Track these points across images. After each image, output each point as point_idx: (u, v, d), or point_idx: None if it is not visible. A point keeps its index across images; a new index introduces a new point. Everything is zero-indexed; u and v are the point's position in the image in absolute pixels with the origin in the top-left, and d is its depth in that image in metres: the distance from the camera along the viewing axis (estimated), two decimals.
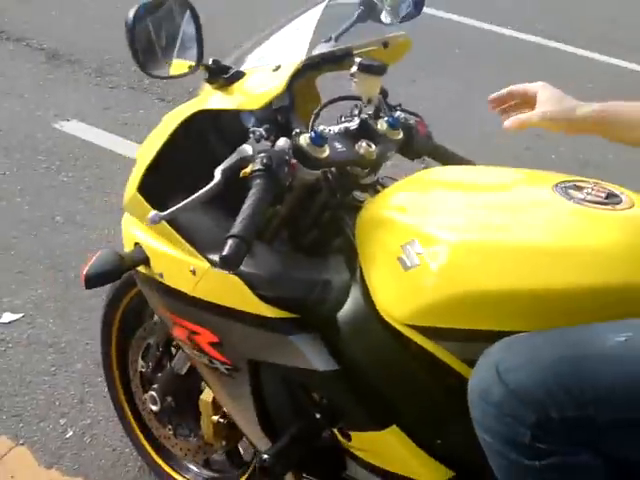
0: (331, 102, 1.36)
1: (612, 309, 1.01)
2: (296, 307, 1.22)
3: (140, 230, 1.39)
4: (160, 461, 1.81)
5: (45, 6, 4.80)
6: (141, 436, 1.82)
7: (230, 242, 1.03)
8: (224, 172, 1.15)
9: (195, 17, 1.27)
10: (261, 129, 1.20)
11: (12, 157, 3.21)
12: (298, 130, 1.20)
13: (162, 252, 1.33)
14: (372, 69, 1.29)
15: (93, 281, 1.36)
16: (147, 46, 1.24)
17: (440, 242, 1.09)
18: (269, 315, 1.21)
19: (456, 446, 1.15)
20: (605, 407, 0.96)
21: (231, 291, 1.24)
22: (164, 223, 1.25)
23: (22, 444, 1.90)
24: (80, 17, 4.66)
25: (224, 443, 1.59)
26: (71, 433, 1.95)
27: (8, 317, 2.30)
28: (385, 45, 1.41)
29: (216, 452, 1.69)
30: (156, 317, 1.61)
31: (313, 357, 1.20)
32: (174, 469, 1.80)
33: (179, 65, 1.29)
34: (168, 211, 1.16)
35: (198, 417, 1.59)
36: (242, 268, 1.12)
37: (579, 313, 1.02)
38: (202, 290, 1.28)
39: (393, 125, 1.32)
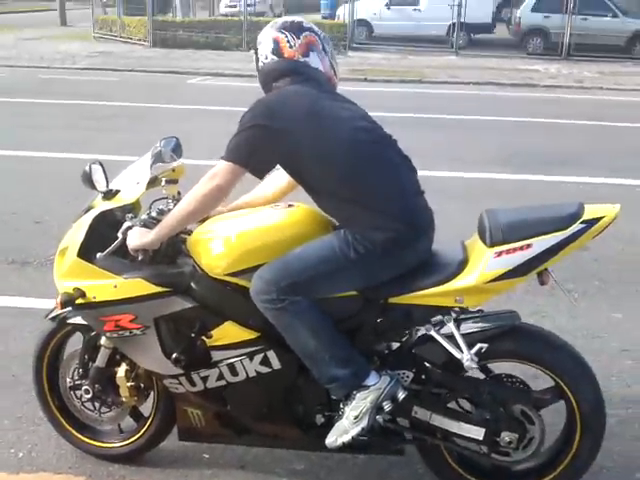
0: (155, 201, 2.83)
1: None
2: (169, 284, 2.58)
3: (76, 281, 2.66)
4: (82, 437, 2.99)
5: None
6: (68, 427, 2.99)
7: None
8: (122, 234, 2.56)
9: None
10: (129, 215, 2.65)
11: None
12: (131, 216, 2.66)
13: (93, 284, 2.62)
14: (172, 182, 2.80)
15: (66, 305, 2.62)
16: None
17: (222, 235, 2.57)
18: (159, 291, 2.57)
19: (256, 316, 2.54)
20: (293, 277, 2.44)
21: (136, 286, 2.57)
22: (93, 267, 2.59)
23: None
24: None
25: (137, 399, 2.84)
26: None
27: None
28: (173, 170, 2.88)
29: (129, 412, 2.91)
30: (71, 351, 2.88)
31: (183, 303, 2.57)
32: (96, 440, 2.99)
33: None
34: (104, 253, 2.53)
35: (117, 392, 2.82)
36: (139, 273, 2.52)
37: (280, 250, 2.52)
38: (120, 293, 2.59)
39: None
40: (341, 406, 2.51)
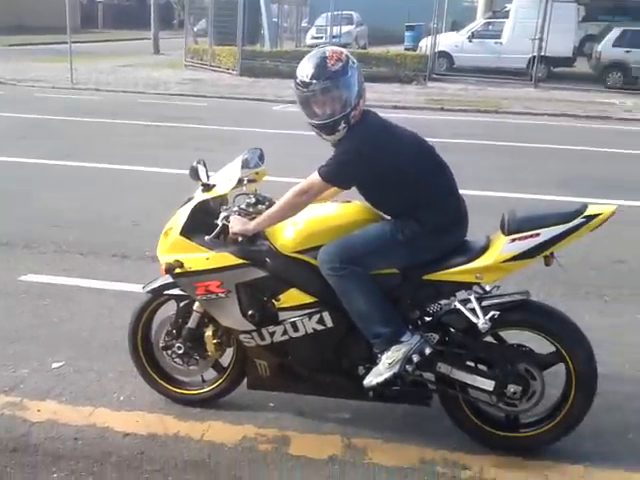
0: (237, 195, 3.53)
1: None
2: (248, 258, 3.25)
3: (176, 254, 3.32)
4: (170, 386, 3.67)
5: None
6: (158, 379, 3.67)
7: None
8: (223, 220, 3.26)
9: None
10: (224, 207, 3.35)
11: None
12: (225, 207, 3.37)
13: (190, 257, 3.30)
14: (252, 181, 3.49)
15: (169, 272, 3.31)
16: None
17: (293, 222, 3.23)
18: (241, 262, 3.24)
19: (319, 283, 3.18)
20: (353, 251, 3.09)
21: (223, 258, 3.26)
22: (191, 243, 3.28)
23: None
24: None
25: (219, 353, 3.52)
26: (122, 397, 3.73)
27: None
28: (257, 173, 3.54)
29: (212, 364, 3.59)
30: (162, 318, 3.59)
31: (259, 273, 3.23)
32: (181, 388, 3.67)
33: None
34: (211, 235, 3.24)
35: (204, 348, 3.50)
36: (225, 248, 3.21)
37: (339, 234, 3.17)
38: (211, 264, 3.26)
39: (261, 201, 3.49)
40: (379, 355, 3.12)
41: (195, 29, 26.89)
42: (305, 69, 3.06)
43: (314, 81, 3.02)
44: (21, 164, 9.13)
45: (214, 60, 22.92)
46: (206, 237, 3.31)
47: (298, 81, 3.08)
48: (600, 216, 2.93)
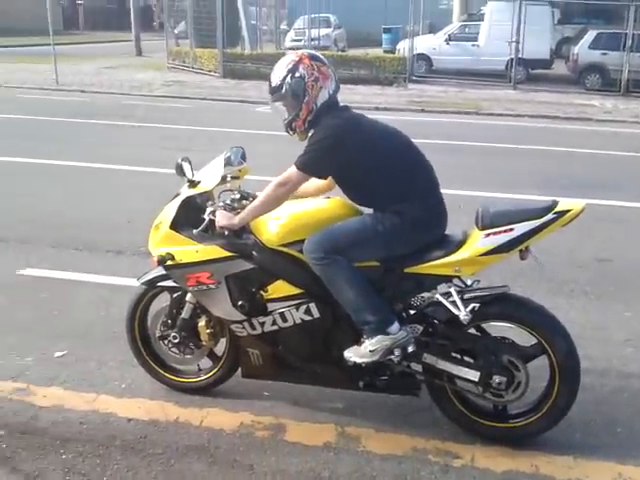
0: (222, 191, 3.69)
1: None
2: (236, 251, 3.41)
3: (167, 247, 3.48)
4: (168, 374, 3.85)
5: None
6: (156, 367, 3.84)
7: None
8: (209, 215, 3.42)
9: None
10: (210, 202, 3.52)
11: None
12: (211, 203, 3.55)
13: (180, 250, 3.46)
14: (236, 178, 3.67)
15: (161, 264, 3.47)
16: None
17: (276, 216, 3.40)
18: (229, 255, 3.40)
19: (304, 275, 3.36)
20: (336, 242, 3.26)
21: (212, 251, 3.42)
22: (181, 236, 3.45)
23: None
24: None
25: (213, 343, 3.69)
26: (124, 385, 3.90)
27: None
28: (240, 170, 3.69)
29: (207, 353, 3.75)
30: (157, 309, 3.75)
31: (246, 265, 3.40)
32: (178, 376, 3.85)
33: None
34: (199, 229, 3.42)
35: (198, 338, 3.67)
36: (214, 241, 3.39)
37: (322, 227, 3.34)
38: (201, 256, 3.43)
39: (245, 197, 3.66)
40: (363, 338, 3.31)
41: (175, 31, 26.90)
42: (270, 77, 3.42)
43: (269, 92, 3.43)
44: (12, 163, 9.31)
45: (196, 62, 23.01)
46: (194, 230, 3.48)
47: None
48: (571, 212, 3.12)
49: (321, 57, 3.41)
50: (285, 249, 3.38)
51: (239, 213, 3.44)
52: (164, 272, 3.58)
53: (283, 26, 30.34)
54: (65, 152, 10.04)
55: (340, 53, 24.06)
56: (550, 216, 3.12)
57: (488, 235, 3.17)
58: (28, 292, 5.14)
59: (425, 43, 22.21)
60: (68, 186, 8.28)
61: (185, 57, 23.89)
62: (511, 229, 3.14)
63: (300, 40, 25.42)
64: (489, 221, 3.19)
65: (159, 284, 3.70)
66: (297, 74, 3.30)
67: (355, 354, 3.31)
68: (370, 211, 3.41)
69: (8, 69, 21.67)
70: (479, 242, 3.19)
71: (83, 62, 24.81)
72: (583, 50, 20.50)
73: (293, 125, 3.39)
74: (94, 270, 5.55)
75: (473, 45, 21.97)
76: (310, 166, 3.28)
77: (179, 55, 24.45)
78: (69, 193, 7.98)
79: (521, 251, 3.22)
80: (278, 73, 3.35)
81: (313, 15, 23.56)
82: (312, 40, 22.88)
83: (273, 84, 3.36)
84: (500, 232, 3.15)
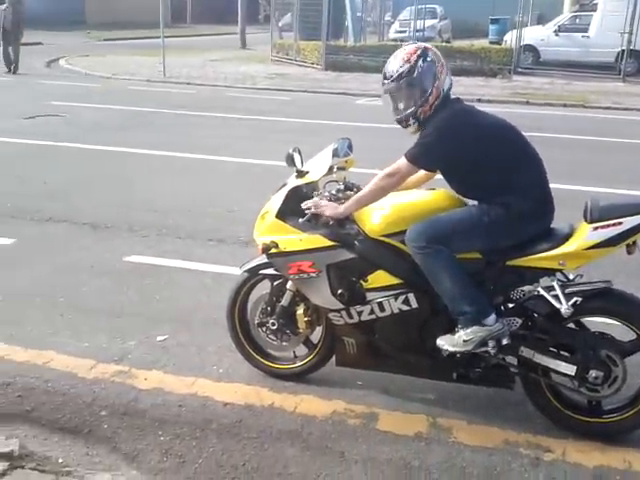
0: (328, 182, 3.76)
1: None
2: (339, 240, 3.47)
3: (272, 236, 3.58)
4: (264, 360, 3.94)
5: None
6: (254, 353, 3.94)
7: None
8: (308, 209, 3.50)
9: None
10: (316, 192, 3.59)
11: None
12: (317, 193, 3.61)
13: (284, 239, 3.55)
14: (342, 169, 3.71)
15: (265, 252, 3.56)
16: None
17: (380, 207, 3.44)
18: (332, 244, 3.46)
19: (405, 265, 3.40)
20: (439, 231, 3.28)
21: (315, 240, 3.49)
22: (286, 225, 3.53)
23: None
24: None
25: (310, 330, 3.76)
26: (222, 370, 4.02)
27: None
28: (346, 162, 3.78)
29: (303, 341, 3.83)
30: (257, 297, 3.85)
31: (348, 254, 3.45)
32: (275, 363, 3.94)
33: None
34: (304, 218, 3.48)
35: (296, 325, 3.75)
36: (317, 231, 3.44)
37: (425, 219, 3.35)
38: (304, 245, 3.50)
39: (350, 188, 3.71)
40: (458, 328, 3.30)
41: (280, 24, 27.24)
42: (386, 67, 3.39)
43: (386, 81, 3.39)
44: (119, 153, 9.68)
45: (299, 55, 23.25)
46: (299, 220, 3.55)
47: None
48: None
49: None
50: (387, 239, 3.41)
51: (343, 204, 3.50)
52: (266, 260, 3.66)
53: (388, 17, 30.21)
54: (170, 143, 10.33)
55: (444, 44, 23.76)
56: None
57: (596, 229, 3.12)
58: (133, 278, 5.34)
59: (533, 34, 21.72)
60: (172, 176, 8.54)
61: (289, 50, 24.15)
62: (620, 222, 3.08)
63: (404, 31, 25.30)
64: (598, 215, 3.14)
65: (261, 272, 3.79)
66: (428, 58, 3.31)
67: (448, 343, 3.31)
68: (475, 203, 3.40)
69: (118, 61, 22.50)
70: (587, 235, 3.14)
71: (189, 55, 25.46)
72: None
73: (419, 112, 3.35)
74: (196, 258, 5.72)
75: (583, 36, 21.28)
76: (421, 158, 3.30)
77: (283, 48, 24.75)
78: (172, 183, 8.23)
79: (628, 245, 3.15)
80: (405, 59, 3.32)
81: (419, 6, 23.34)
82: (417, 31, 22.67)
83: (398, 71, 3.31)
84: (609, 225, 3.10)
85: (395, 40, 24.74)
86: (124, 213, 6.93)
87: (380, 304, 3.45)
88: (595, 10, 21.56)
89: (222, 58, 24.92)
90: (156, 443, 3.37)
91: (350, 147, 3.77)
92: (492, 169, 3.27)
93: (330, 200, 3.56)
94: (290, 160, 3.61)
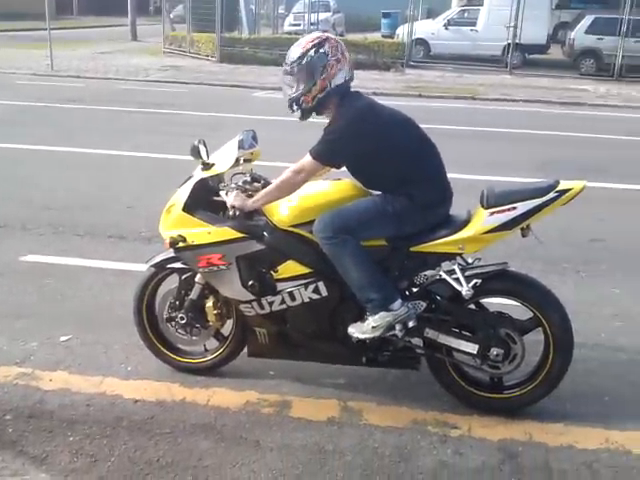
0: (235, 174, 3.76)
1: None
2: (248, 232, 3.48)
3: (179, 230, 3.56)
4: (174, 356, 3.91)
5: None
6: (163, 349, 3.90)
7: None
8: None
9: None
10: (223, 184, 3.58)
11: None
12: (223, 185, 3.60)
13: (192, 232, 3.53)
14: (248, 161, 3.73)
15: (173, 246, 3.53)
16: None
17: (288, 198, 3.46)
18: (241, 236, 3.47)
19: (313, 254, 3.43)
20: (345, 221, 3.33)
21: (224, 232, 3.48)
22: (193, 218, 3.52)
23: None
24: None
25: (220, 323, 3.76)
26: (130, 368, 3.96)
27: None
28: (252, 153, 3.79)
29: (213, 334, 3.82)
30: (165, 291, 3.81)
31: (257, 246, 3.47)
32: (185, 357, 3.91)
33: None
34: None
35: (205, 319, 3.74)
36: (226, 223, 3.44)
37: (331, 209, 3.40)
38: (213, 238, 3.49)
39: (257, 179, 3.73)
40: (367, 315, 3.39)
41: (171, 16, 26.82)
42: (289, 51, 3.43)
43: (284, 64, 3.44)
44: (10, 150, 9.31)
45: (193, 47, 22.97)
46: (207, 212, 3.54)
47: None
48: (571, 191, 3.21)
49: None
50: (296, 230, 3.44)
51: (251, 195, 3.52)
52: (173, 254, 3.64)
53: (281, 10, 30.24)
54: (61, 138, 10.06)
55: (338, 37, 23.87)
56: (551, 195, 3.21)
57: (492, 214, 3.27)
58: (31, 278, 5.17)
59: (424, 28, 22.27)
60: (67, 172, 8.30)
61: (182, 42, 23.83)
62: (514, 207, 3.23)
63: (299, 24, 25.35)
64: (493, 200, 3.28)
65: (168, 266, 3.76)
66: (322, 50, 3.34)
67: (358, 330, 3.39)
68: (378, 193, 3.48)
69: (2, 55, 21.54)
70: (483, 220, 3.28)
71: (78, 47, 24.74)
72: (579, 35, 20.61)
73: (301, 100, 3.40)
74: (96, 255, 5.59)
75: (471, 30, 22.01)
76: (324, 155, 3.34)
77: (175, 40, 24.39)
78: (67, 179, 8.00)
79: (523, 229, 3.31)
80: (301, 46, 3.36)
81: None
82: (311, 25, 22.80)
83: (293, 56, 3.36)
84: (504, 211, 3.24)
85: (289, 33, 24.75)
86: (16, 211, 6.67)
87: (291, 294, 3.49)
88: (482, 4, 22.30)
89: (112, 50, 24.37)
90: (65, 444, 3.28)
91: (255, 139, 3.78)
92: (394, 162, 3.36)
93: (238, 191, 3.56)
94: (196, 152, 3.58)
